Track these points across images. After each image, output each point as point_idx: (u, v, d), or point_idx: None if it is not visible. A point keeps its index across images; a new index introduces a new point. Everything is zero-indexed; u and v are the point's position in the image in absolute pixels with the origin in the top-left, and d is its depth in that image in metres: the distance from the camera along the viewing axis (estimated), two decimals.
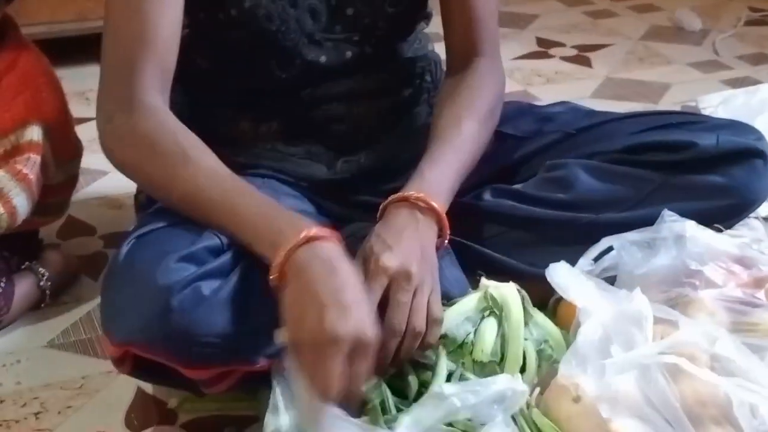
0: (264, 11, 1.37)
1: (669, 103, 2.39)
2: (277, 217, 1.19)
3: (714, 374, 1.15)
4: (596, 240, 1.40)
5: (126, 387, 1.44)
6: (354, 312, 1.08)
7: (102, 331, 1.24)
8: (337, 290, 1.09)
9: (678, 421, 1.13)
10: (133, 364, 1.23)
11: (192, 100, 1.46)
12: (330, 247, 1.14)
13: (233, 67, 1.44)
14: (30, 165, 1.55)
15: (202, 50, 1.45)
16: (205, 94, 1.48)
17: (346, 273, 1.12)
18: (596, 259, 1.41)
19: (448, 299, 1.28)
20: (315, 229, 1.15)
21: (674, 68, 2.63)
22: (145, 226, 1.28)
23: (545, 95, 2.42)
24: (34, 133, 1.57)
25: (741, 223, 1.53)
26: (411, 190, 1.28)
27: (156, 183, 1.27)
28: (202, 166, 1.23)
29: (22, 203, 1.54)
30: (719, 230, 1.44)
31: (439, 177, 1.32)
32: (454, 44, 1.48)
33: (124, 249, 1.24)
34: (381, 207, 1.28)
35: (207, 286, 1.17)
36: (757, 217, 1.67)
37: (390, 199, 1.28)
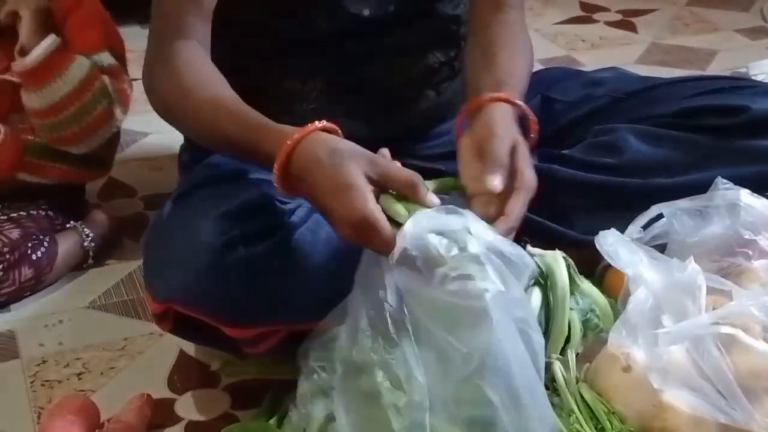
0: None
1: (716, 69, 2.34)
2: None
3: None
4: (646, 206, 1.37)
5: (168, 349, 1.43)
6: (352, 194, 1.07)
7: (145, 288, 1.23)
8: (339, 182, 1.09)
9: (731, 393, 1.11)
10: (174, 322, 1.23)
11: (234, 53, 1.44)
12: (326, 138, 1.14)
13: (275, 20, 1.41)
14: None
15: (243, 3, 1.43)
16: (248, 49, 1.46)
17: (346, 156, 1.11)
18: (645, 227, 1.39)
19: None
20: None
21: (721, 34, 2.58)
22: (187, 185, 1.27)
23: (589, 61, 2.38)
24: (112, 60, 1.67)
25: None
26: (500, 92, 1.27)
27: (189, 124, 1.28)
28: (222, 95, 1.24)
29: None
30: None
31: (516, 84, 1.32)
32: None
33: (167, 207, 1.24)
34: (471, 104, 1.27)
35: (251, 244, 1.16)
36: None
37: (486, 96, 1.26)
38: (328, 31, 1.40)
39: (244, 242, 1.15)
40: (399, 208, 1.10)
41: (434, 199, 1.11)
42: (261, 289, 1.15)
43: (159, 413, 1.32)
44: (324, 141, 1.12)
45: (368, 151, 1.12)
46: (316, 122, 1.14)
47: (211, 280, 1.14)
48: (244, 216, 1.18)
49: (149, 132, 2.04)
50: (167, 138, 1.85)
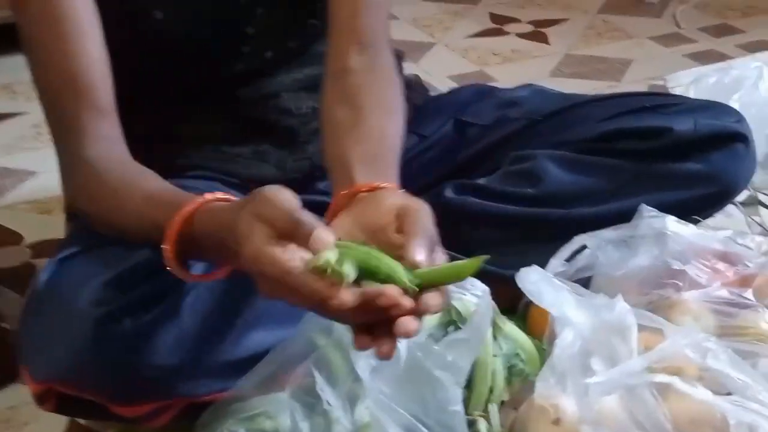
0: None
1: (632, 79, 2.29)
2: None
3: (709, 392, 1.04)
4: (568, 237, 1.30)
5: (57, 418, 1.30)
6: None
7: (21, 367, 1.11)
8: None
9: None
10: (58, 401, 1.10)
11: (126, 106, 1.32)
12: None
13: (168, 71, 1.29)
14: None
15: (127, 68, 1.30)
16: (139, 101, 1.34)
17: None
18: (569, 259, 1.31)
19: None
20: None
21: (635, 42, 2.53)
22: (70, 245, 1.15)
23: (502, 76, 2.30)
24: None
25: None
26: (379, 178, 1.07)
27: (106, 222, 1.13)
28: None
29: None
30: (696, 221, 1.34)
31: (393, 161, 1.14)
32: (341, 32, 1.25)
33: (45, 274, 1.11)
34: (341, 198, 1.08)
35: (138, 314, 1.05)
36: (733, 203, 1.59)
37: (364, 187, 1.05)
38: (224, 78, 1.31)
39: (129, 312, 1.04)
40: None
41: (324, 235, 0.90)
42: (149, 364, 1.03)
43: None
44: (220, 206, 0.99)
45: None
46: (208, 195, 1.01)
47: (92, 357, 1.02)
48: (130, 282, 1.06)
49: (37, 171, 1.90)
50: (57, 178, 1.73)
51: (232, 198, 1.01)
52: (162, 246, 0.99)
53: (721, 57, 2.36)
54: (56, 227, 1.65)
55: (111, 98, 1.16)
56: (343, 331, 1.09)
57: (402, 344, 0.97)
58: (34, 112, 2.09)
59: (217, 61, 1.29)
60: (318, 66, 1.28)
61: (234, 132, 1.34)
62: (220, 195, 1.01)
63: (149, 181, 1.09)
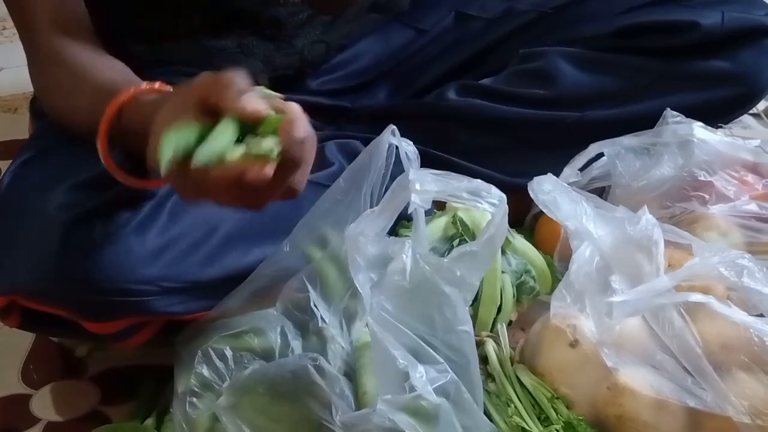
0: None
1: None
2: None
3: (744, 314, 0.94)
4: (583, 144, 1.21)
5: (22, 333, 1.19)
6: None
7: None
8: None
9: (699, 369, 0.93)
10: (23, 315, 1.00)
11: None
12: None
13: None
14: None
15: None
16: None
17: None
18: (583, 168, 1.21)
19: None
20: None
21: None
22: (34, 147, 1.04)
23: None
24: None
25: (735, 120, 1.36)
26: None
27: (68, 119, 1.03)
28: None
29: None
30: (718, 126, 1.25)
31: None
32: None
33: (6, 177, 1.01)
34: None
35: (112, 218, 0.94)
36: (753, 113, 1.49)
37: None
38: None
39: (100, 216, 0.94)
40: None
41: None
42: (121, 274, 0.93)
43: (10, 413, 1.10)
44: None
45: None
46: (145, 84, 0.92)
47: (59, 265, 0.92)
48: (101, 185, 0.95)
49: (1, 66, 1.77)
50: (22, 74, 1.60)
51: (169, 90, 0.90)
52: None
53: None
54: (22, 127, 1.54)
55: None
56: (339, 244, 0.99)
57: (407, 256, 0.86)
58: None
59: None
60: None
61: (214, 23, 1.21)
62: (158, 85, 0.91)
63: (103, 72, 0.99)
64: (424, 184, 0.93)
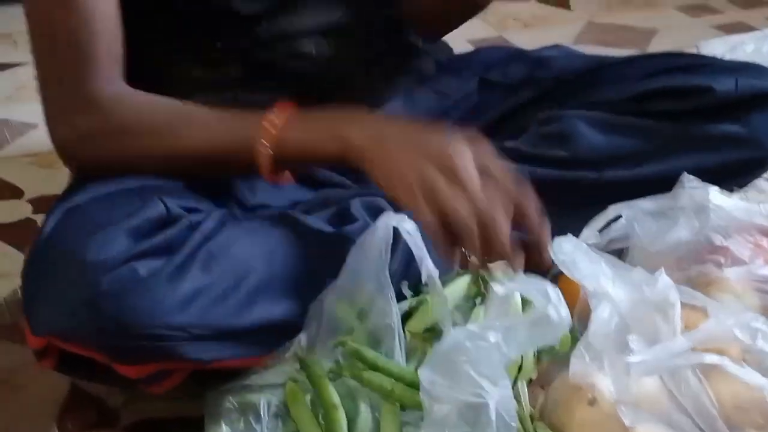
0: None
1: (658, 49, 2.21)
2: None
3: (759, 375, 0.97)
4: (601, 203, 1.23)
5: (59, 381, 1.23)
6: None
7: (23, 320, 1.05)
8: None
9: (715, 430, 0.96)
10: (59, 358, 1.04)
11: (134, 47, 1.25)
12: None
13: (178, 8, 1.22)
14: None
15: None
16: (148, 38, 1.27)
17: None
18: (602, 229, 1.24)
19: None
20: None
21: (660, 11, 2.46)
22: (76, 193, 1.08)
23: (523, 42, 2.22)
24: None
25: (750, 184, 1.38)
26: None
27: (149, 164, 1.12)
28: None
29: None
30: (732, 190, 1.27)
31: None
32: None
33: (50, 222, 1.05)
34: None
35: (146, 265, 0.99)
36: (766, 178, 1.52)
37: None
38: (239, 12, 1.22)
39: (136, 263, 0.99)
40: None
41: None
42: (154, 318, 0.97)
43: None
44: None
45: None
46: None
47: (94, 308, 0.96)
48: (140, 232, 1.00)
49: (38, 123, 1.82)
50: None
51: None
52: (261, 142, 1.07)
53: (749, 29, 2.28)
54: (58, 182, 1.58)
55: (120, 38, 1.12)
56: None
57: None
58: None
59: None
60: (349, 11, 1.21)
61: (250, 77, 1.27)
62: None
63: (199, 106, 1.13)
64: None
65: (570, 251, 1.10)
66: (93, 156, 1.13)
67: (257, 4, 1.21)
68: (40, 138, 1.80)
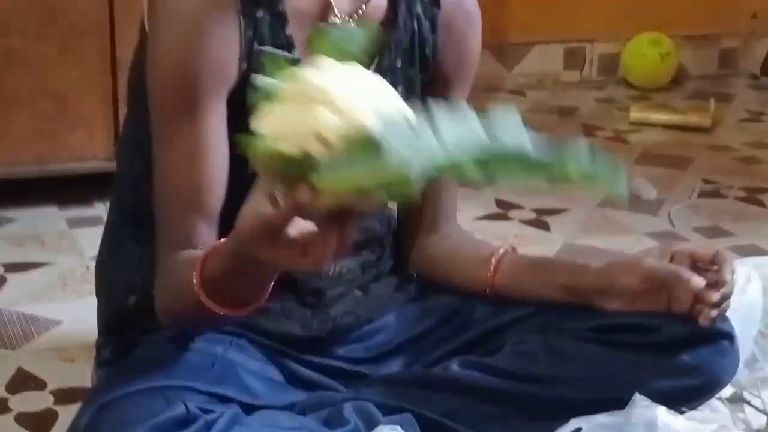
0: None
1: None
2: None
3: None
4: (565, 417, 1.40)
5: None
6: None
7: None
8: None
9: None
10: None
11: (150, 247, 1.44)
12: None
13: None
14: None
15: None
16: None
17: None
18: None
19: None
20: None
21: (632, 237, 2.65)
22: (107, 391, 1.24)
23: None
24: None
25: (704, 404, 1.54)
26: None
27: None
28: None
29: None
30: (683, 411, 1.43)
31: None
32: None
33: (86, 416, 1.20)
34: None
35: None
36: (720, 398, 1.67)
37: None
38: None
39: None
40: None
41: None
42: None
43: None
44: None
45: None
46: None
47: None
48: (163, 429, 1.16)
49: (62, 320, 1.99)
50: (81, 327, 1.82)
51: None
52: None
53: None
54: (79, 375, 1.74)
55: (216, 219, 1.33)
56: None
57: None
58: (61, 263, 2.21)
59: None
60: (357, 233, 1.41)
61: None
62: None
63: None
64: None
65: None
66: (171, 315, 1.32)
67: None
68: (63, 334, 1.97)
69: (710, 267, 1.46)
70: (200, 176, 1.29)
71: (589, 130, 3.42)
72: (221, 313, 1.20)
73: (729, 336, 1.48)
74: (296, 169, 0.96)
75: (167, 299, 1.30)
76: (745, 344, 1.56)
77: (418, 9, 1.46)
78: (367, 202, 0.97)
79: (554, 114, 3.56)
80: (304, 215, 1.00)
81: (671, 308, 1.43)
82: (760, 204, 2.88)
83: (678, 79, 3.88)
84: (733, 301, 1.53)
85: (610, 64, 3.86)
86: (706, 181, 3.02)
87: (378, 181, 0.94)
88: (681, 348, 1.44)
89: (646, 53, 3.76)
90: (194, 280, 1.19)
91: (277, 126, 0.97)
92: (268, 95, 0.99)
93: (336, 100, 0.97)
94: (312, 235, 1.02)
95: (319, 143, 0.96)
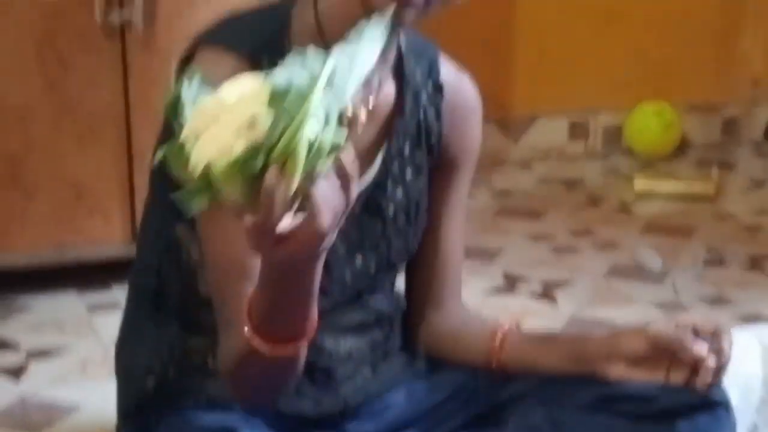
0: None
1: None
2: None
3: None
4: None
5: None
6: None
7: None
8: None
9: None
10: None
11: (168, 329, 1.50)
12: None
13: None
14: None
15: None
16: (180, 323, 1.52)
17: None
18: None
19: None
20: None
21: (638, 308, 2.69)
22: None
23: None
24: None
25: None
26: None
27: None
28: None
29: None
30: None
31: None
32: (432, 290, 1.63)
33: None
34: None
35: None
36: None
37: None
38: None
39: None
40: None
41: None
42: None
43: None
44: None
45: None
46: None
47: None
48: None
49: (80, 406, 2.03)
50: (100, 412, 1.86)
51: None
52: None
53: None
54: None
55: None
56: None
57: None
58: (80, 348, 2.25)
59: None
60: (366, 312, 1.47)
61: None
62: None
63: None
64: None
65: None
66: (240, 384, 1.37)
67: None
68: (82, 419, 2.01)
69: (711, 338, 1.51)
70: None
71: (594, 201, 3.48)
72: (271, 352, 1.25)
73: (725, 404, 1.52)
74: (247, 168, 1.04)
75: (231, 368, 1.35)
76: (745, 414, 1.60)
77: (424, 98, 1.54)
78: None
79: (561, 185, 3.61)
80: (276, 208, 1.06)
81: (670, 375, 1.49)
82: (765, 272, 2.92)
83: (682, 147, 3.92)
84: (732, 371, 1.57)
85: (614, 134, 3.91)
86: (710, 250, 3.06)
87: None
88: (679, 416, 1.49)
89: (650, 123, 3.79)
90: (245, 327, 1.25)
91: (208, 150, 1.04)
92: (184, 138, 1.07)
93: (228, 100, 1.06)
94: (300, 218, 1.09)
95: (248, 131, 1.03)
